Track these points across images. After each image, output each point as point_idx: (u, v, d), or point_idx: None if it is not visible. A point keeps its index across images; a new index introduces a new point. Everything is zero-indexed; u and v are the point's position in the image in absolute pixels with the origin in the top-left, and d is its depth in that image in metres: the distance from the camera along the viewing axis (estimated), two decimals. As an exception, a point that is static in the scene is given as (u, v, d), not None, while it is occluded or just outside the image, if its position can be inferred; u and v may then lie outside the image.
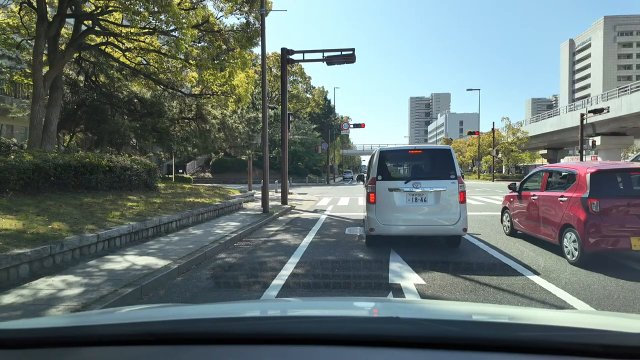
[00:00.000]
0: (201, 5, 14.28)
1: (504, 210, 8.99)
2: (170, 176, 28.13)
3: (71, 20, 14.26)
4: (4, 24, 13.76)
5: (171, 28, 12.96)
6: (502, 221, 9.22)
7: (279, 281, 5.11)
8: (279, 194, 17.32)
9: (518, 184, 8.51)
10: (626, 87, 36.35)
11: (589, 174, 6.09)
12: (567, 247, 6.22)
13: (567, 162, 7.74)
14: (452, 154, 7.15)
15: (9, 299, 4.04)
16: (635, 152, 42.01)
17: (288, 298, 4.35)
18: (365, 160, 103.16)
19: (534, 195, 7.54)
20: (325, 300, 2.56)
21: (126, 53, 15.43)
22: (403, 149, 8.33)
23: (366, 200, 7.39)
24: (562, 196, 6.54)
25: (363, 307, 1.70)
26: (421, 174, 7.17)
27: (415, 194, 6.94)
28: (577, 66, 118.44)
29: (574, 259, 5.98)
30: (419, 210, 6.95)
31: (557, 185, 7.16)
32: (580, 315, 1.82)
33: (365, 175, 8.67)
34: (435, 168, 7.20)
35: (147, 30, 13.34)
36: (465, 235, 7.43)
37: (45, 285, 4.50)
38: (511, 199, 8.62)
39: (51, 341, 1.15)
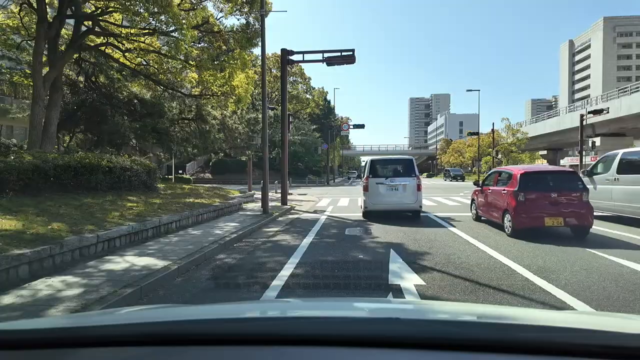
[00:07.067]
0: (201, 6, 14.30)
1: (472, 201, 11.81)
2: (170, 177, 28.11)
3: (71, 21, 14.25)
4: (3, 25, 13.76)
5: (171, 29, 12.97)
6: (470, 209, 12.19)
7: (278, 282, 5.11)
8: (279, 195, 17.32)
9: (480, 182, 11.38)
10: (626, 88, 36.38)
11: (519, 174, 8.78)
12: (505, 224, 8.84)
13: (508, 166, 11.74)
14: (413, 162, 12.20)
15: (8, 299, 4.03)
16: (634, 153, 41.92)
17: (288, 299, 4.34)
18: (364, 161, 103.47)
19: (489, 190, 10.27)
20: (325, 301, 2.56)
21: (126, 54, 15.43)
22: (385, 159, 13.12)
23: (363, 190, 12.19)
24: (504, 190, 9.17)
25: (363, 307, 1.70)
26: (395, 174, 11.83)
27: (391, 185, 11.58)
28: (577, 67, 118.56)
29: (509, 232, 8.61)
30: (394, 195, 11.59)
31: (502, 182, 9.66)
32: (580, 316, 1.82)
33: (362, 174, 13.67)
34: (404, 170, 11.87)
35: (147, 31, 13.35)
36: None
37: (44, 286, 4.49)
38: (476, 193, 11.41)
39: (50, 342, 1.15)
